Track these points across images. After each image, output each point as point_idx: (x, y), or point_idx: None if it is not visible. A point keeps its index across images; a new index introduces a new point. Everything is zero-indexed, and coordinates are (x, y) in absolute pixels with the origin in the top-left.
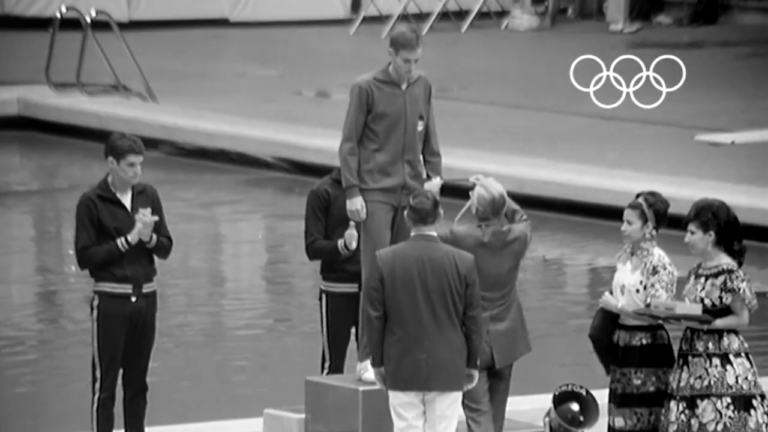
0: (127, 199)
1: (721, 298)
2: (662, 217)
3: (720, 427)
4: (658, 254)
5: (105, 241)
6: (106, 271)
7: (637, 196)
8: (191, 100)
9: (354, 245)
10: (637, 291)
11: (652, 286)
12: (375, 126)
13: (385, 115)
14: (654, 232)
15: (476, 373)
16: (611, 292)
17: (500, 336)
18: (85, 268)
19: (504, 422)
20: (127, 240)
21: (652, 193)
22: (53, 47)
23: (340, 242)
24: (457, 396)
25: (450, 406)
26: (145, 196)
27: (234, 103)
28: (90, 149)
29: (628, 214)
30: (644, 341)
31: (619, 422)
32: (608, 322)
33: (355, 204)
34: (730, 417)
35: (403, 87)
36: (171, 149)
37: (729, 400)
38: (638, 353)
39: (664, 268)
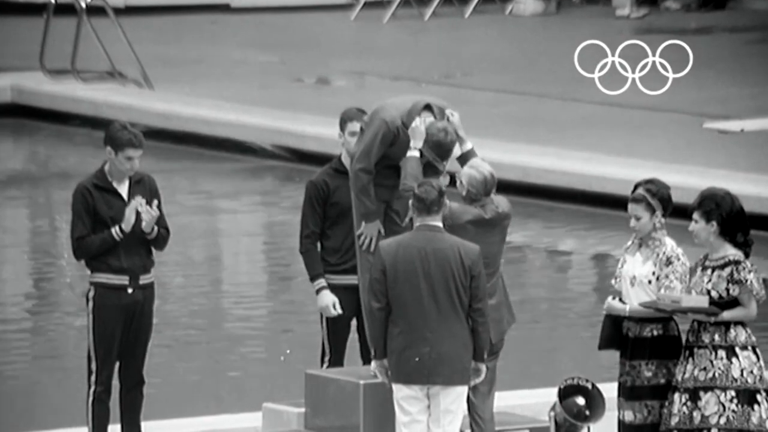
0: (123, 189)
1: (727, 289)
2: (667, 202)
3: (722, 420)
4: (671, 244)
5: (100, 231)
6: (103, 261)
7: (635, 187)
8: (189, 87)
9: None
10: (649, 282)
11: (666, 277)
12: (382, 159)
13: (397, 159)
14: (663, 220)
15: (483, 368)
16: (613, 297)
17: (491, 311)
18: (80, 258)
19: (495, 399)
20: (121, 228)
21: (651, 181)
22: (47, 33)
23: (320, 297)
24: (463, 390)
25: (455, 401)
26: (142, 186)
27: (233, 90)
28: (85, 137)
29: (633, 208)
30: (655, 332)
31: (628, 416)
32: (615, 331)
33: (372, 229)
34: (733, 411)
35: None
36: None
37: (733, 393)
38: (649, 345)
39: (678, 259)
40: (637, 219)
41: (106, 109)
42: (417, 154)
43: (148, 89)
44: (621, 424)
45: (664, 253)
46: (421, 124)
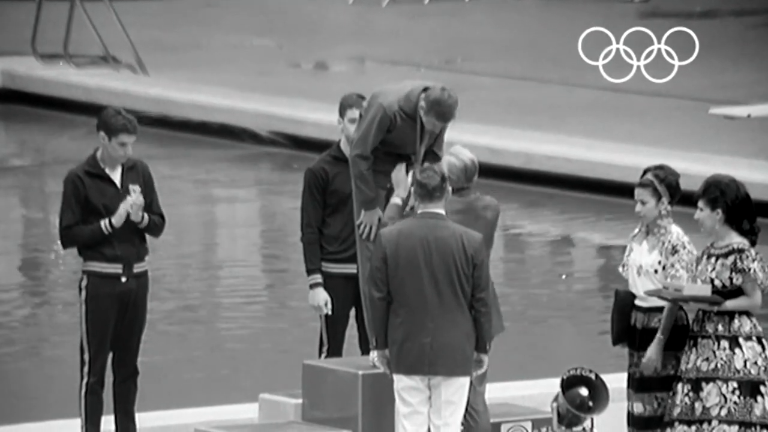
0: (116, 175)
1: (731, 278)
2: (675, 190)
3: (724, 412)
4: (677, 233)
5: (92, 219)
6: (95, 250)
7: (645, 172)
8: (184, 73)
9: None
10: (656, 271)
11: (672, 266)
12: (381, 145)
13: (396, 145)
14: (669, 208)
15: (486, 358)
16: (625, 307)
17: None
18: (67, 247)
19: (486, 390)
20: (111, 223)
21: (661, 167)
22: (39, 17)
23: (313, 294)
24: (465, 381)
25: (457, 392)
26: (135, 172)
27: (229, 75)
28: (78, 123)
29: (639, 193)
30: None
31: (638, 408)
32: (626, 324)
33: (372, 217)
34: (735, 402)
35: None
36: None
37: (735, 384)
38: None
39: (684, 247)
40: (643, 204)
41: (99, 95)
42: (399, 202)
43: (143, 74)
44: (630, 416)
45: (669, 241)
46: (400, 170)
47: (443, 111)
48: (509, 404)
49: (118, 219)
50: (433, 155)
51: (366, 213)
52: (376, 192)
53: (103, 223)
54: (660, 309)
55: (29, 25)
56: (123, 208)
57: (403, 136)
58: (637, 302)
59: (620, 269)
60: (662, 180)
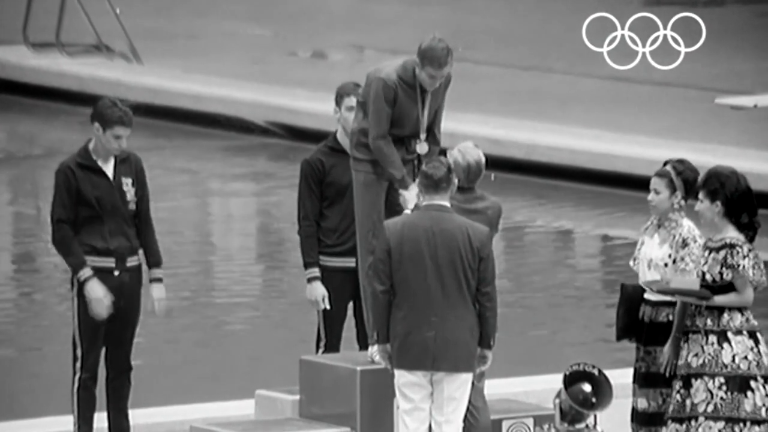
0: (109, 168)
1: (721, 273)
2: (691, 186)
3: (710, 408)
4: (688, 226)
5: (85, 211)
6: (87, 244)
7: (665, 164)
8: (178, 61)
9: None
10: (666, 265)
11: (682, 259)
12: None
13: (400, 117)
14: (682, 202)
15: (490, 354)
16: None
17: None
18: (56, 245)
19: (485, 386)
20: (84, 279)
21: (681, 161)
22: (31, 4)
23: (310, 288)
24: (468, 377)
25: (459, 388)
26: (128, 165)
27: (224, 64)
28: (70, 113)
29: (655, 182)
30: (671, 317)
31: (642, 403)
32: (631, 319)
33: (412, 195)
34: (721, 398)
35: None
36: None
37: (722, 380)
38: (665, 330)
39: (695, 241)
40: (657, 193)
41: (92, 85)
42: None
43: (137, 63)
44: (634, 411)
45: (680, 234)
46: (414, 189)
47: (437, 55)
48: (511, 401)
49: (91, 294)
50: (432, 136)
51: (404, 193)
52: (403, 170)
53: (83, 272)
54: (668, 304)
55: (21, 13)
56: (97, 306)
57: (404, 112)
58: (647, 296)
59: (631, 263)
60: (680, 173)
